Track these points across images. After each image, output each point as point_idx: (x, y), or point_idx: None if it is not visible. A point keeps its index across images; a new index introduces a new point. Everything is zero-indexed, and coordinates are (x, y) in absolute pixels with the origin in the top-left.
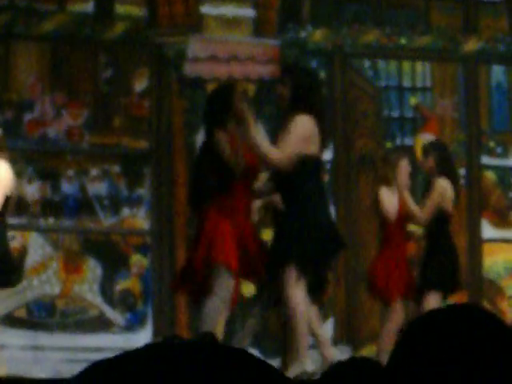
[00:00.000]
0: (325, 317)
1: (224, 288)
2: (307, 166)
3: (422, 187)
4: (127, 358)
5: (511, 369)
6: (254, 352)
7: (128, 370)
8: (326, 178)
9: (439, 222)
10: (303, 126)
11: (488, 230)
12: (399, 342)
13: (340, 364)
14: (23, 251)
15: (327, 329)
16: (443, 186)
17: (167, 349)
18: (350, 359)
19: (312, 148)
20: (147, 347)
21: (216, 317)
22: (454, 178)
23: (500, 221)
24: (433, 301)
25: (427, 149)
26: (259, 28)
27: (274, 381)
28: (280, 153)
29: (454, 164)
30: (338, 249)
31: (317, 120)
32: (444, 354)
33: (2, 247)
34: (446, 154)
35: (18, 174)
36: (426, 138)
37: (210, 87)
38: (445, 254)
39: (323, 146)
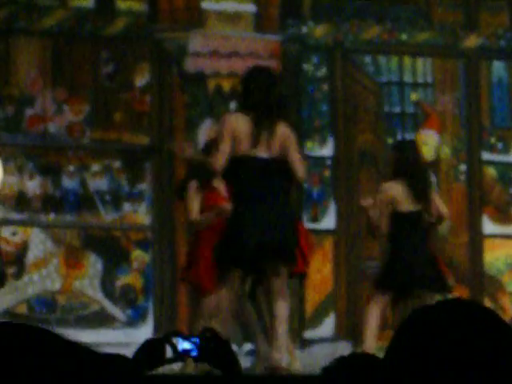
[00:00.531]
0: (326, 313)
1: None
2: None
3: None
4: None
5: (506, 363)
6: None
7: None
8: (327, 173)
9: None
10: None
11: (489, 226)
12: (395, 337)
13: (340, 359)
14: (24, 247)
15: (329, 325)
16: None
17: None
18: (350, 355)
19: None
20: None
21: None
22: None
23: (501, 216)
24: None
25: (392, 148)
26: (260, 23)
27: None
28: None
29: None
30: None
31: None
32: (439, 348)
33: None
34: (411, 151)
35: (19, 170)
36: (426, 133)
37: (211, 82)
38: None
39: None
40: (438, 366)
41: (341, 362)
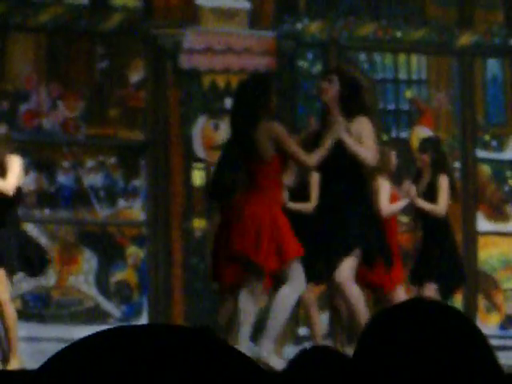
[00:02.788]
0: (321, 309)
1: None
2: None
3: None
4: (81, 345)
5: (470, 363)
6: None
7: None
8: None
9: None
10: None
11: (483, 223)
12: (365, 334)
13: (303, 353)
14: None
15: (324, 321)
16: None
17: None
18: (312, 348)
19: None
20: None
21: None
22: (449, 174)
23: (495, 214)
24: (428, 293)
25: (424, 145)
26: (255, 20)
27: (235, 361)
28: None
29: (449, 160)
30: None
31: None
32: (408, 344)
33: (21, 237)
34: (442, 150)
35: None
36: (421, 131)
37: (206, 79)
38: (443, 247)
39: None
40: (404, 365)
41: (304, 354)
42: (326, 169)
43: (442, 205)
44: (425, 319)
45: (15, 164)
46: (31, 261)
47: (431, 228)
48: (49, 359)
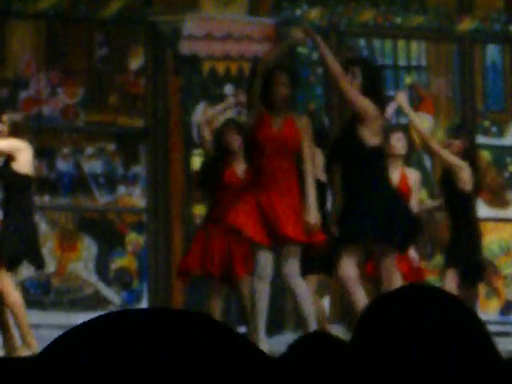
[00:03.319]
0: (320, 296)
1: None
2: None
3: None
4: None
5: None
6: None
7: (89, 338)
8: None
9: (462, 202)
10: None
11: (483, 210)
12: (362, 319)
13: (302, 338)
14: None
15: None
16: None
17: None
18: (311, 334)
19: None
20: (109, 316)
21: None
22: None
23: (495, 200)
24: (449, 278)
25: (458, 131)
26: (255, 6)
27: (236, 345)
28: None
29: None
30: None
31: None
32: (405, 331)
33: (31, 227)
34: (474, 141)
35: None
36: (420, 117)
37: (206, 65)
38: (466, 234)
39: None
40: (404, 350)
41: (302, 340)
42: (344, 156)
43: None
44: (421, 305)
45: (24, 151)
46: (38, 252)
47: (456, 215)
48: (48, 345)
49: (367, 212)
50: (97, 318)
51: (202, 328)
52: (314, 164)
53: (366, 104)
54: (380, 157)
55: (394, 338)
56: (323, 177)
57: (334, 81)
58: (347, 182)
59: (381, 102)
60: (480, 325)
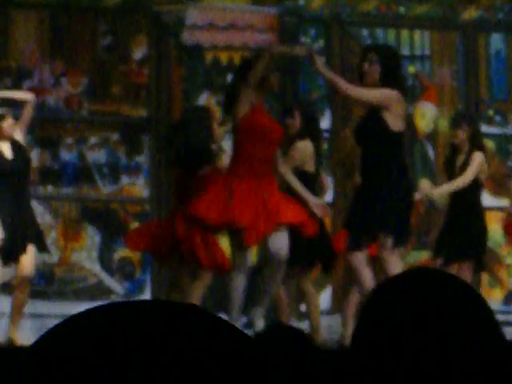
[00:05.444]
0: (322, 287)
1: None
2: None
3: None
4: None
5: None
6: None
7: (80, 329)
8: (324, 146)
9: (472, 192)
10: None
11: (487, 199)
12: (366, 305)
13: (272, 328)
14: None
15: (325, 298)
16: (483, 159)
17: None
18: (274, 326)
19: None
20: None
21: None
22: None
23: (499, 189)
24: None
25: (459, 121)
26: None
27: (225, 334)
28: (360, 91)
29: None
30: None
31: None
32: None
33: (30, 212)
34: (476, 126)
35: None
36: (424, 106)
37: (209, 55)
38: (474, 223)
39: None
40: (409, 336)
41: (267, 332)
42: (367, 139)
43: (461, 179)
44: (427, 289)
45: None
46: (41, 235)
47: (465, 204)
48: (40, 336)
49: (387, 206)
50: (86, 311)
51: (193, 319)
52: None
53: (375, 94)
54: (401, 143)
55: (398, 326)
56: (313, 168)
57: (335, 90)
58: (367, 166)
59: (402, 86)
60: (489, 311)
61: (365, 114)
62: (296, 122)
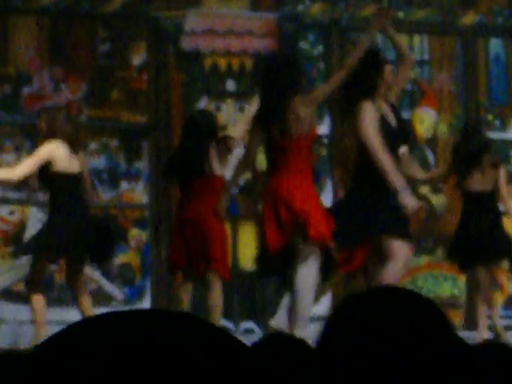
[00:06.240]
0: (322, 291)
1: None
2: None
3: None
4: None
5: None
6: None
7: (78, 337)
8: (324, 152)
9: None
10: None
11: None
12: (329, 321)
13: (269, 337)
14: (22, 225)
15: (325, 303)
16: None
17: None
18: (269, 336)
19: None
20: (97, 318)
21: None
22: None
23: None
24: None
25: (470, 132)
26: (256, 2)
27: (219, 342)
28: None
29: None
30: None
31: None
32: (373, 332)
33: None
34: (480, 137)
35: (17, 148)
36: (423, 111)
37: (208, 61)
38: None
39: None
40: (369, 355)
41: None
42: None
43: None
44: (392, 307)
45: (37, 151)
46: (93, 246)
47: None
48: (40, 344)
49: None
50: (83, 321)
51: (186, 327)
52: None
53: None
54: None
55: (359, 338)
56: None
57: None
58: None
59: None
60: (451, 329)
61: (396, 119)
62: None
